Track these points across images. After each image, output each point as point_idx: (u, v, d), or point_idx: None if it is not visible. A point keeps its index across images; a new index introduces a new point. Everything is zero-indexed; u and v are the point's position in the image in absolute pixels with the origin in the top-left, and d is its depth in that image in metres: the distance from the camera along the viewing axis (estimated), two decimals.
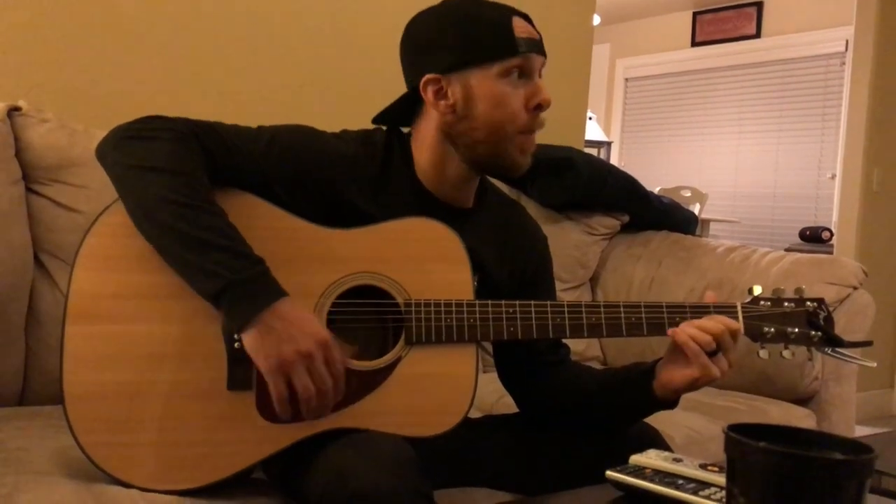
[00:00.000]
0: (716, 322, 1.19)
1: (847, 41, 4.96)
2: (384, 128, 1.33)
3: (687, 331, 1.18)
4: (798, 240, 5.26)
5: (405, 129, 1.33)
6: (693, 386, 1.20)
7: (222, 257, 1.06)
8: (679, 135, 6.46)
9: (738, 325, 1.20)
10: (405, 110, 1.30)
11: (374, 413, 1.16)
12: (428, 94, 1.24)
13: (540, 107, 1.24)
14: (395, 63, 1.31)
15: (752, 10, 5.97)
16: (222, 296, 1.06)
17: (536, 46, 1.24)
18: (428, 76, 1.23)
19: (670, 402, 1.26)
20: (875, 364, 1.35)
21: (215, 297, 1.06)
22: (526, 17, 1.26)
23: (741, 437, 0.80)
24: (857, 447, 0.81)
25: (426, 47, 1.25)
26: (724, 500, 0.91)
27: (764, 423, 0.86)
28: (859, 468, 0.77)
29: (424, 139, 1.28)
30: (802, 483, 0.75)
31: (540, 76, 1.26)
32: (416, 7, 1.28)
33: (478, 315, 1.20)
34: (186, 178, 1.11)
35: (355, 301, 1.19)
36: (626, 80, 6.85)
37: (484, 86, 1.21)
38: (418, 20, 1.28)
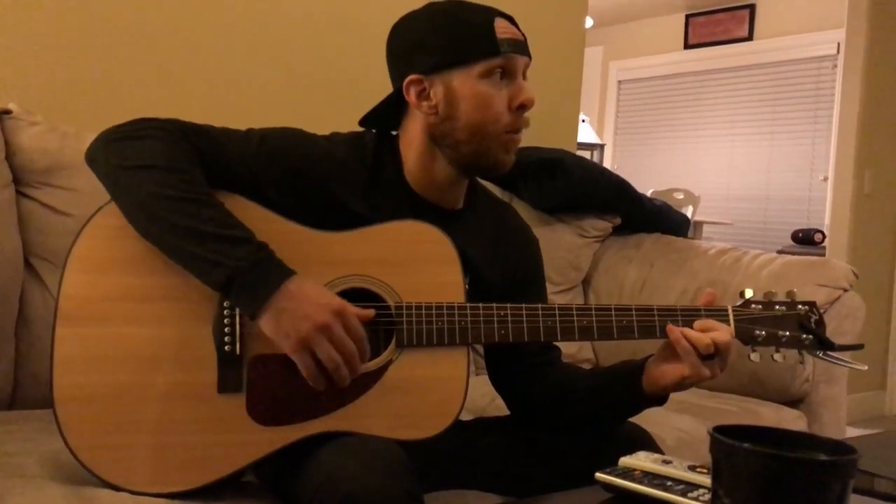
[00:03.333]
0: (723, 332, 1.19)
1: (839, 44, 4.99)
2: (374, 130, 1.33)
3: (683, 330, 1.19)
4: (791, 242, 5.27)
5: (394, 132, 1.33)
6: (681, 384, 1.20)
7: (226, 247, 1.07)
8: (672, 137, 6.48)
9: (729, 336, 1.20)
10: (392, 113, 1.31)
11: (365, 416, 1.16)
12: (411, 96, 1.24)
13: (523, 106, 1.24)
14: (385, 65, 1.31)
15: (745, 13, 5.99)
16: (231, 285, 1.07)
17: (519, 47, 1.24)
18: (411, 77, 1.24)
19: (658, 399, 1.26)
20: (866, 368, 1.35)
21: (224, 286, 1.08)
22: (510, 19, 1.26)
23: (726, 437, 0.80)
24: (842, 448, 0.82)
25: (409, 49, 1.25)
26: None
27: (750, 425, 0.87)
28: (842, 469, 0.77)
29: (411, 141, 1.28)
30: (786, 483, 0.76)
31: (524, 77, 1.26)
32: (407, 9, 1.29)
33: (469, 318, 1.20)
34: (181, 173, 1.12)
35: None
36: (619, 82, 6.87)
37: (466, 86, 1.22)
38: (403, 22, 1.28)
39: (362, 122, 1.34)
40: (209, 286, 1.10)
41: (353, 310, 1.10)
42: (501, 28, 1.23)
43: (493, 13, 1.24)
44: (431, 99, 1.23)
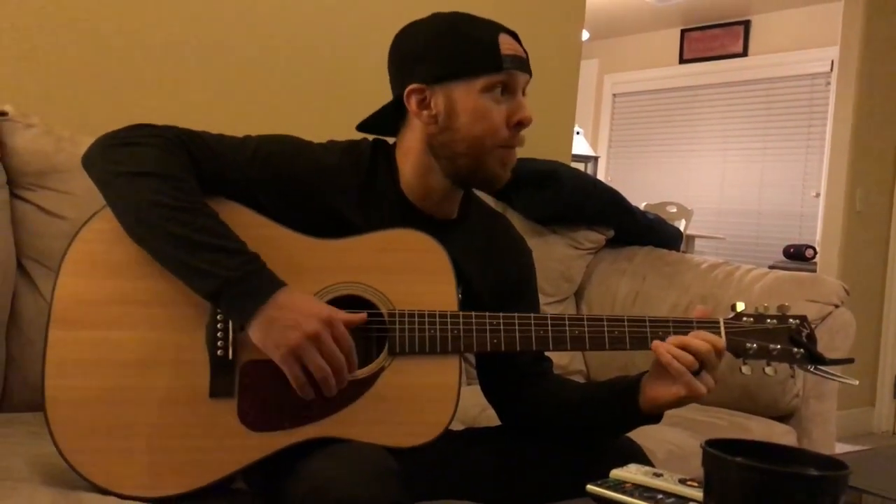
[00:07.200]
0: (701, 340, 1.18)
1: (832, 61, 5.01)
2: (370, 138, 1.34)
3: (671, 351, 1.18)
4: (782, 257, 5.29)
5: (391, 141, 1.34)
6: (679, 403, 1.20)
7: (217, 257, 1.08)
8: (665, 151, 6.50)
9: (722, 342, 1.20)
10: (391, 121, 1.32)
11: (356, 423, 1.16)
12: (412, 104, 1.25)
13: (521, 124, 1.25)
14: (386, 75, 1.32)
15: (740, 29, 6.02)
16: (221, 295, 1.07)
17: (521, 64, 1.26)
18: (413, 86, 1.24)
19: (655, 417, 1.26)
20: (857, 382, 1.35)
21: (214, 296, 1.08)
22: (514, 35, 1.28)
23: (718, 452, 0.81)
24: (833, 463, 0.82)
25: (413, 58, 1.26)
26: None
27: (741, 439, 0.87)
28: (833, 484, 0.78)
29: (409, 151, 1.29)
30: (777, 498, 0.76)
31: (524, 94, 1.28)
32: (407, 19, 1.30)
33: (461, 326, 1.21)
34: (176, 182, 1.12)
35: None
36: (614, 95, 6.89)
37: (467, 99, 1.23)
38: (408, 31, 1.30)
39: (360, 127, 1.35)
40: (199, 295, 1.10)
41: (342, 317, 1.11)
42: (506, 44, 1.24)
43: (499, 29, 1.26)
44: (432, 108, 1.24)
